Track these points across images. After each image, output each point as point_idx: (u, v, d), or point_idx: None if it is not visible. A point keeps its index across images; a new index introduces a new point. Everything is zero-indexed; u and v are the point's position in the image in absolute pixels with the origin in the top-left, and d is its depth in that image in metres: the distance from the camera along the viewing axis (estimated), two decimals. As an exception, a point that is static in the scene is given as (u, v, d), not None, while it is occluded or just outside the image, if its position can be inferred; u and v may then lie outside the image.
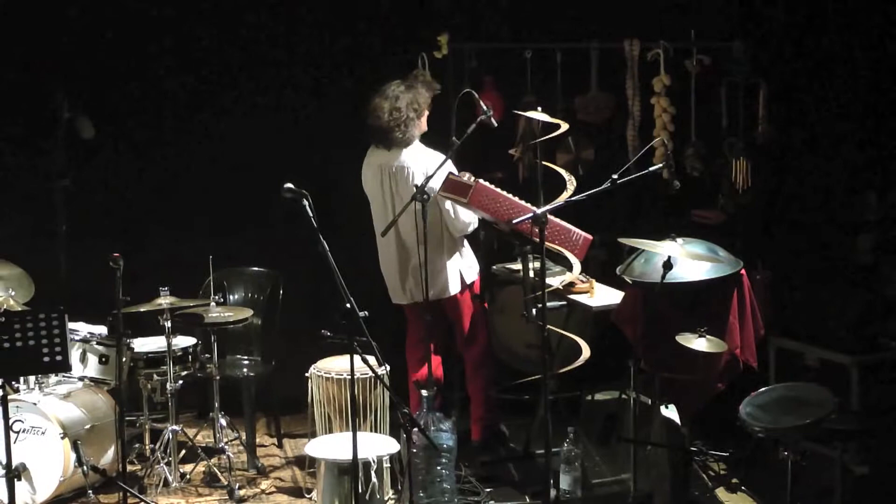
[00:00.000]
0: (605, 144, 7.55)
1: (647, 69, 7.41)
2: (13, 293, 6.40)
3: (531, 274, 6.27)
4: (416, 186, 6.12)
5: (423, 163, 6.39)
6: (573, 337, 5.96)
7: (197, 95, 7.57)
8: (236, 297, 7.37)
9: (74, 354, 6.45)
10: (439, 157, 6.36)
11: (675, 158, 6.65)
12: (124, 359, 6.22)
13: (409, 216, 6.27)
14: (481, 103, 6.25)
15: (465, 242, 6.65)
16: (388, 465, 6.09)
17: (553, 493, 6.09)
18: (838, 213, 7.45)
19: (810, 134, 7.62)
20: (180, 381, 6.53)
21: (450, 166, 6.33)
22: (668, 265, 5.58)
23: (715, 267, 5.84)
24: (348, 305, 4.92)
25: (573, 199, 5.71)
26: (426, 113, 6.53)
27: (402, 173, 6.44)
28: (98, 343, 6.51)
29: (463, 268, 6.61)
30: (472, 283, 6.70)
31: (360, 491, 5.51)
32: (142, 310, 6.35)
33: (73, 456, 6.14)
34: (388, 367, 6.03)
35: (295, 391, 6.63)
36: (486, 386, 6.80)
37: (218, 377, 6.70)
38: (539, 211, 5.54)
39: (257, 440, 7.10)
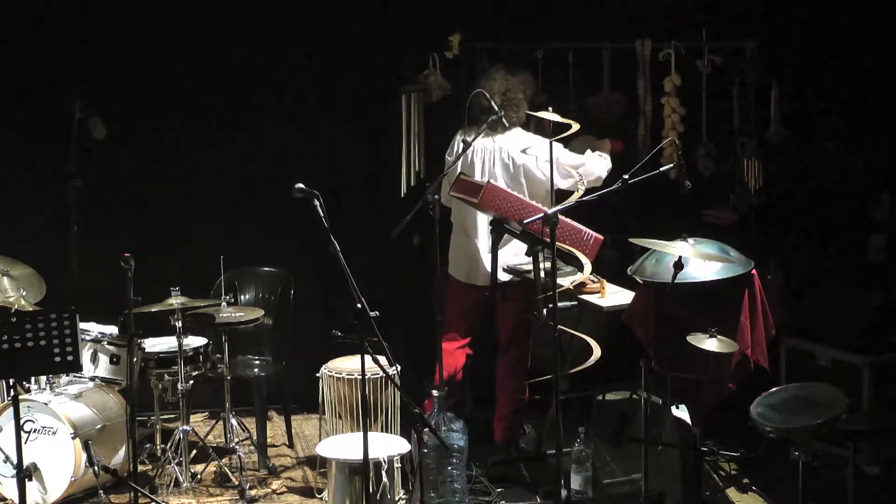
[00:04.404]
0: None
1: (659, 69, 7.39)
2: (24, 293, 6.41)
3: (542, 274, 6.26)
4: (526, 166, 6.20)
5: (525, 147, 6.26)
6: (584, 337, 5.95)
7: (208, 95, 7.57)
8: (248, 297, 7.37)
9: (85, 354, 6.46)
10: (541, 140, 6.34)
11: (686, 158, 6.64)
12: (135, 359, 6.22)
13: None
14: (493, 103, 6.25)
15: None
16: (399, 465, 6.09)
17: (564, 493, 6.08)
18: (850, 213, 7.42)
19: (822, 134, 7.60)
20: (191, 381, 6.54)
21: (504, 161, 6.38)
22: (679, 265, 5.57)
23: (726, 267, 5.83)
24: (360, 306, 4.92)
25: (584, 199, 5.71)
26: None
27: (501, 154, 6.44)
28: (109, 343, 6.52)
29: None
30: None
31: (370, 491, 5.52)
32: (153, 310, 6.35)
33: (84, 456, 6.14)
34: (399, 367, 6.02)
35: (306, 391, 6.64)
36: (517, 390, 6.73)
37: (229, 377, 6.71)
38: (550, 211, 5.53)
39: (268, 440, 7.10)
